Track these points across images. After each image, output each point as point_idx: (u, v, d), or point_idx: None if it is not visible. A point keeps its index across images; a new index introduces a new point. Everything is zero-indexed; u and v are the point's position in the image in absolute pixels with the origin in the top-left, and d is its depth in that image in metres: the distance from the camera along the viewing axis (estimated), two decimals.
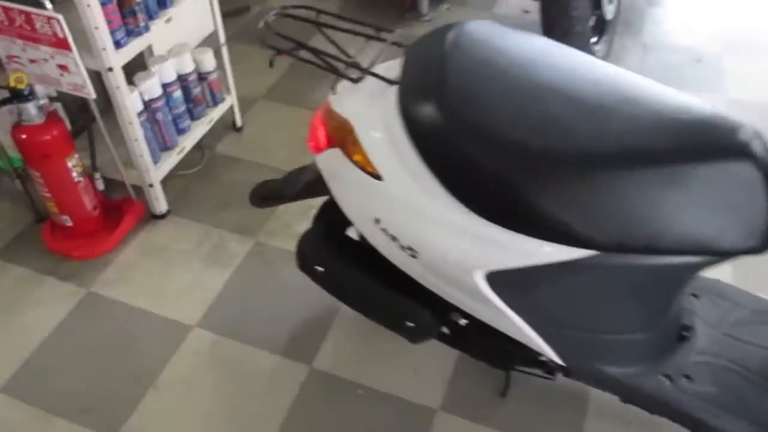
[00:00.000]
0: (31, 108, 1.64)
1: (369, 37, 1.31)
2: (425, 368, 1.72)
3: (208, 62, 2.12)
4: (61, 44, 1.58)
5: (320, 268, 1.47)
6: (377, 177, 1.21)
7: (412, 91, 1.16)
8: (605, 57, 2.69)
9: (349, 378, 1.69)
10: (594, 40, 2.60)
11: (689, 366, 1.35)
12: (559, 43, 1.25)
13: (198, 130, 2.17)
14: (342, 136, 1.27)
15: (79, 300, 1.84)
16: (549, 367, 1.47)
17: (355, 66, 1.23)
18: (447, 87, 1.12)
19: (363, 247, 1.38)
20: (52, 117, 1.71)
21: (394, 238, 1.26)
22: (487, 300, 1.24)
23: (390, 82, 1.19)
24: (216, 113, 2.26)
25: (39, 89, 1.67)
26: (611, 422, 1.61)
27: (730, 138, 1.05)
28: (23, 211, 2.07)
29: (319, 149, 1.35)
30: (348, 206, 1.32)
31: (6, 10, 1.56)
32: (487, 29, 1.23)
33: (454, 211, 1.16)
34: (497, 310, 1.25)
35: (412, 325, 1.44)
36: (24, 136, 1.67)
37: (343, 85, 1.29)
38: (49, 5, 1.55)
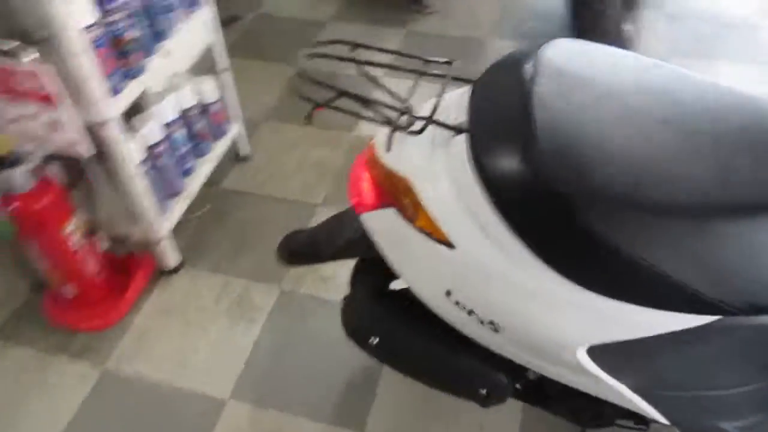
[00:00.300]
0: (17, 176, 1.42)
1: (422, 74, 1.09)
2: (492, 423, 1.54)
3: (211, 92, 1.90)
4: (49, 99, 1.36)
5: (375, 339, 1.27)
6: (448, 244, 1.01)
7: (489, 140, 0.95)
8: (636, 36, 2.50)
9: None
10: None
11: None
12: (654, 60, 1.04)
13: (204, 168, 1.95)
14: (398, 197, 1.06)
15: (95, 382, 1.62)
16: (644, 419, 1.29)
17: (410, 114, 1.01)
18: (534, 133, 0.90)
19: (414, 302, 1.18)
20: (44, 181, 1.48)
21: (471, 312, 1.06)
22: (587, 372, 1.05)
23: (458, 130, 0.98)
24: (221, 146, 2.04)
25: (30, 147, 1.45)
26: None
27: None
28: (18, 282, 1.84)
29: (366, 207, 1.14)
30: (410, 276, 1.12)
31: None
32: (569, 51, 1.02)
33: (550, 282, 0.95)
34: (597, 380, 1.06)
35: (485, 391, 1.25)
36: (12, 208, 1.45)
37: (388, 130, 1.08)
38: (30, 56, 1.32)
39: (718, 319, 0.93)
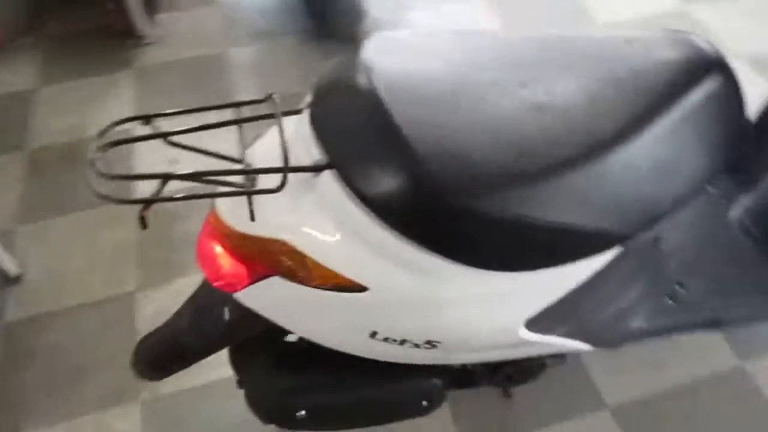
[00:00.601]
0: None
1: (244, 121, 0.93)
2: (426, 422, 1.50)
3: None
4: None
5: (302, 412, 1.12)
6: (358, 289, 0.91)
7: (362, 167, 0.85)
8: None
9: None
10: None
11: (678, 274, 1.32)
12: (467, 30, 1.03)
13: None
14: (277, 262, 0.92)
15: None
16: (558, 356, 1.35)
17: (258, 171, 0.87)
18: (407, 144, 0.83)
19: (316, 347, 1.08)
20: None
21: (403, 342, 0.98)
22: (528, 342, 1.04)
23: (320, 168, 0.87)
24: None
25: None
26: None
27: (701, 56, 0.96)
28: None
29: (238, 285, 0.98)
30: (323, 336, 1.00)
31: None
32: (390, 50, 0.96)
33: (474, 281, 0.91)
34: (535, 344, 1.07)
35: (427, 403, 1.19)
36: None
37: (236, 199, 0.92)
38: None
39: (620, 249, 0.98)
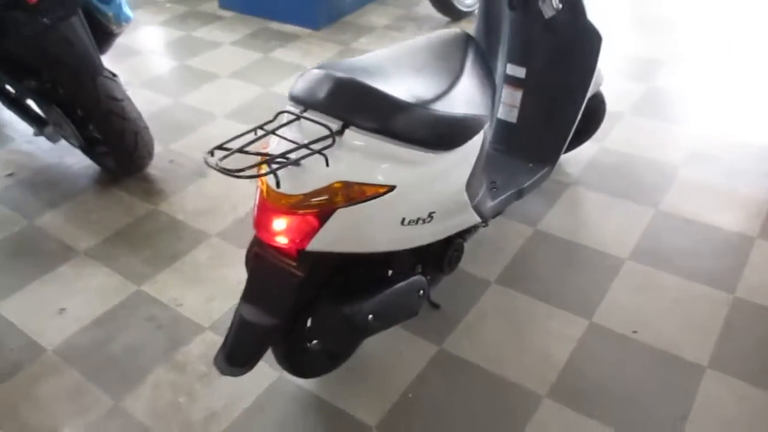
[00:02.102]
0: None
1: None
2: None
3: None
4: None
5: (370, 317, 1.56)
6: (390, 189, 1.46)
7: (365, 115, 1.44)
8: None
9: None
10: None
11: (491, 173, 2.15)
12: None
13: None
14: (333, 201, 1.42)
15: None
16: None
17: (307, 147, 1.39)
18: (380, 93, 1.46)
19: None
20: None
21: (417, 221, 1.55)
22: (466, 208, 1.72)
23: (345, 128, 1.42)
24: None
25: None
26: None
27: (460, 36, 1.85)
28: None
29: (311, 233, 1.44)
30: (373, 243, 1.50)
31: None
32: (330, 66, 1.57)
33: (438, 161, 1.56)
34: (468, 211, 1.75)
35: (421, 292, 1.75)
36: None
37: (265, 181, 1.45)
38: None
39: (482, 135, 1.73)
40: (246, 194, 2.74)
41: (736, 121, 3.13)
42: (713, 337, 2.00)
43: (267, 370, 1.92)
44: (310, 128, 1.42)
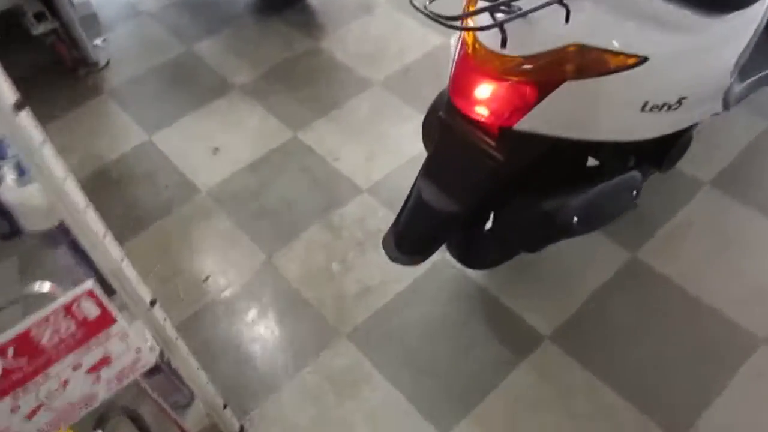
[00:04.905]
0: None
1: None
2: None
3: None
4: (99, 324, 0.89)
5: (575, 219, 1.27)
6: (641, 62, 1.08)
7: None
8: None
9: None
10: None
11: None
12: None
13: None
14: (561, 69, 1.07)
15: None
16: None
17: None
18: None
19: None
20: None
21: (662, 106, 1.17)
22: (730, 91, 1.30)
23: None
24: None
25: None
26: None
27: None
28: None
29: (526, 107, 1.11)
30: (601, 125, 1.16)
31: None
32: None
33: (711, 28, 1.13)
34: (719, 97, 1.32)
35: (635, 193, 1.40)
36: None
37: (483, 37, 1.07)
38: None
39: None
40: (415, 39, 2.39)
41: None
42: None
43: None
44: None
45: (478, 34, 1.09)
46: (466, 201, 1.26)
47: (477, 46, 1.11)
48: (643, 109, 1.16)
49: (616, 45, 1.06)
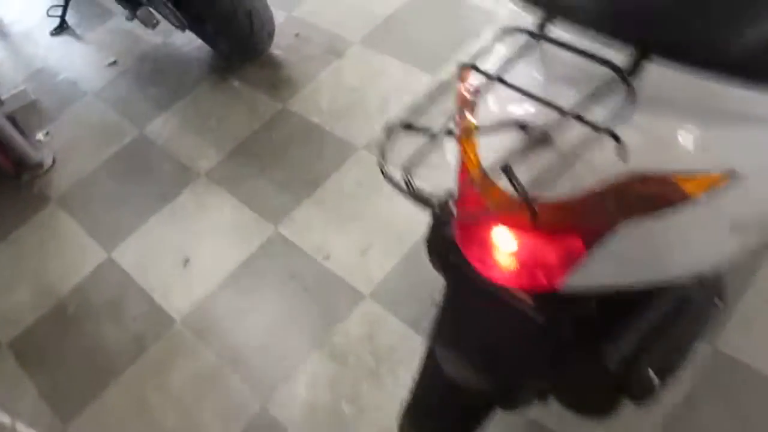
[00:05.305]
0: None
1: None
2: None
3: None
4: None
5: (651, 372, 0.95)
6: (725, 179, 0.76)
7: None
8: None
9: None
10: None
11: None
12: None
13: None
14: (614, 210, 0.75)
15: None
16: None
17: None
18: None
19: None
20: None
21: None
22: None
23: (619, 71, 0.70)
24: None
25: None
26: None
27: None
28: None
29: (568, 266, 0.79)
30: (677, 262, 0.84)
31: None
32: None
33: None
34: None
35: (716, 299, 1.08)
36: None
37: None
38: None
39: None
40: (396, 83, 2.06)
41: None
42: None
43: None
44: (560, 60, 0.73)
45: (491, 160, 0.76)
46: (505, 373, 0.95)
47: (488, 185, 0.78)
48: (733, 229, 0.84)
49: (687, 162, 0.74)
